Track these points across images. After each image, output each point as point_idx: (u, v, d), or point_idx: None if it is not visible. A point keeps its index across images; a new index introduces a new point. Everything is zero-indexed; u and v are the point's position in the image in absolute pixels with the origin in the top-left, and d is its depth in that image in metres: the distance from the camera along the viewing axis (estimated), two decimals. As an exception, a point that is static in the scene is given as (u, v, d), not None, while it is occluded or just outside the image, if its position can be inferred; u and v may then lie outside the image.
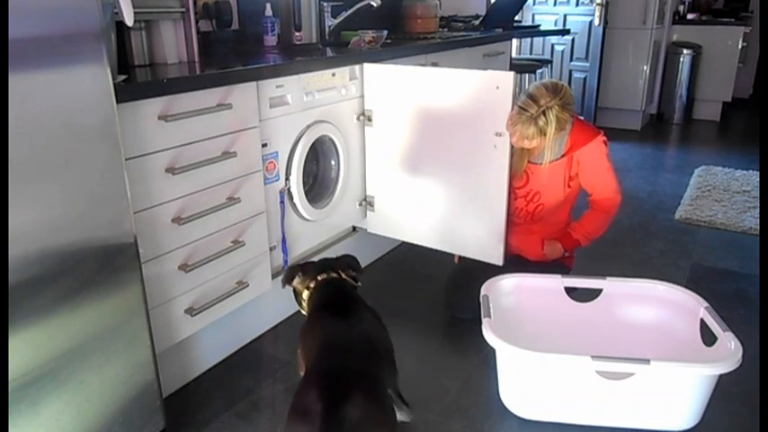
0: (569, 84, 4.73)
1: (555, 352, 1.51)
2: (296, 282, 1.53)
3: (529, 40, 5.15)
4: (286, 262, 1.95)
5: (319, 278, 1.49)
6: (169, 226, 1.56)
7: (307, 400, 1.11)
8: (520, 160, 2.04)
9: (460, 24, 3.45)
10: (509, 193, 1.96)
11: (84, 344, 1.29)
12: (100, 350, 1.32)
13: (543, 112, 1.86)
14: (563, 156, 1.98)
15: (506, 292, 1.87)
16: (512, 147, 1.94)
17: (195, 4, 1.91)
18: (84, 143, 1.21)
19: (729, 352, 1.48)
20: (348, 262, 1.56)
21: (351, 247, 2.30)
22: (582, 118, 2.08)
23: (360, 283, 1.56)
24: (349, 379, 1.15)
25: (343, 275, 1.52)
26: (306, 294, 1.49)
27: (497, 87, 1.86)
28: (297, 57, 2.03)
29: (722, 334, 1.56)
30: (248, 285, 1.84)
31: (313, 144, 2.08)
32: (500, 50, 3.18)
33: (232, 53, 2.19)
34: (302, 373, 1.34)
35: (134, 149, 1.42)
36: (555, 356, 1.51)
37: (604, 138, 1.98)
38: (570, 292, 1.89)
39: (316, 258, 1.65)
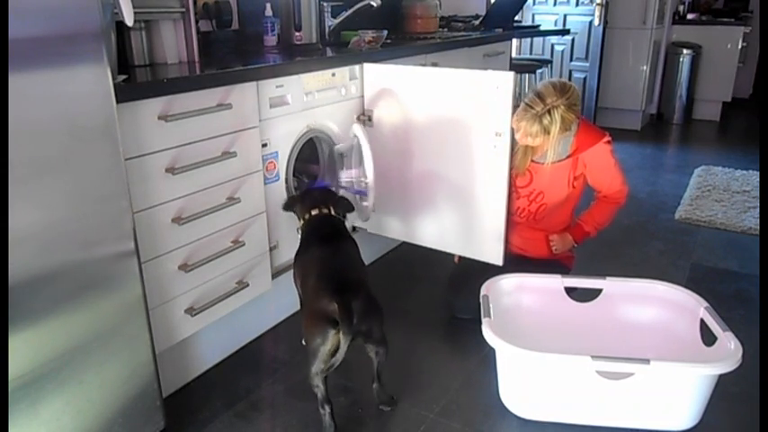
0: (569, 84, 4.72)
1: (555, 352, 1.51)
2: (296, 209, 1.82)
3: (529, 40, 5.15)
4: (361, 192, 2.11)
5: (313, 212, 1.76)
6: (169, 226, 1.56)
7: (324, 304, 1.43)
8: (523, 158, 2.04)
9: (460, 24, 3.45)
10: (509, 194, 1.96)
11: (85, 344, 1.29)
12: (100, 350, 1.32)
13: (548, 111, 1.86)
14: (568, 157, 1.99)
15: (506, 292, 1.87)
16: (514, 146, 1.94)
17: (195, 4, 1.91)
18: (84, 143, 1.21)
19: (729, 352, 1.48)
20: (341, 202, 1.83)
21: (351, 247, 2.30)
22: (585, 119, 2.08)
23: (346, 219, 1.83)
24: (351, 286, 1.49)
25: (333, 211, 1.79)
26: (301, 223, 1.79)
27: (497, 87, 1.86)
28: (297, 57, 2.03)
29: (722, 334, 1.56)
30: (248, 285, 1.84)
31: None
32: (500, 50, 3.18)
33: (232, 53, 2.19)
34: (299, 288, 1.72)
35: (134, 149, 1.42)
36: (555, 356, 1.51)
37: (609, 138, 1.99)
38: (570, 292, 1.89)
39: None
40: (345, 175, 2.16)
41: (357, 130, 2.05)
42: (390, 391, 1.69)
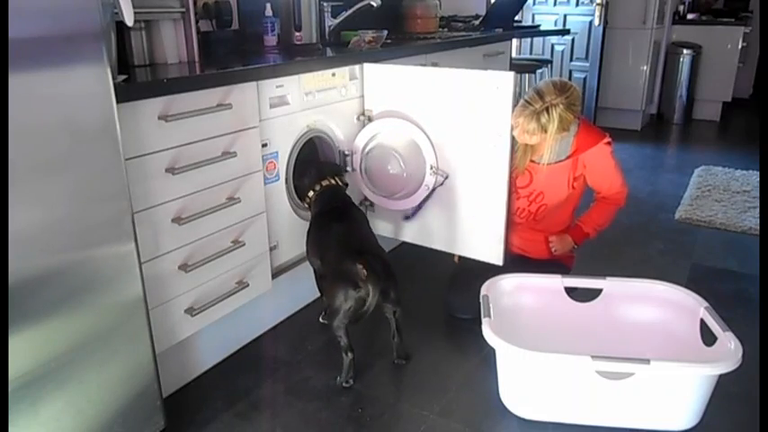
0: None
1: (555, 352, 1.51)
2: (305, 182, 1.96)
3: (529, 40, 5.15)
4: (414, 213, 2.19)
5: (323, 183, 1.93)
6: (169, 226, 1.56)
7: (348, 266, 1.64)
8: (523, 156, 2.04)
9: (460, 24, 3.45)
10: (509, 194, 1.96)
11: (85, 344, 1.29)
12: (100, 350, 1.32)
13: (547, 109, 1.86)
14: (568, 157, 1.99)
15: (506, 292, 1.87)
16: (514, 145, 1.94)
17: (195, 4, 1.90)
18: (84, 143, 1.21)
19: (729, 352, 1.49)
20: (336, 170, 2.01)
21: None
22: (586, 119, 2.08)
23: (347, 185, 2.02)
24: (372, 249, 1.74)
25: (339, 182, 1.97)
26: (311, 194, 1.94)
27: (497, 87, 1.86)
28: (297, 57, 2.03)
29: (722, 334, 1.56)
30: (248, 285, 1.84)
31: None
32: (500, 50, 3.18)
33: (232, 53, 2.18)
34: (315, 260, 1.89)
35: (134, 149, 1.42)
36: (555, 356, 1.51)
37: (609, 139, 1.99)
38: (570, 292, 1.89)
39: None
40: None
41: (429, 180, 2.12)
42: (390, 389, 1.69)
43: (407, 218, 2.22)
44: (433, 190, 2.10)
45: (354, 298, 1.63)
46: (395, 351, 1.86)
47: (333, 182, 1.95)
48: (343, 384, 1.75)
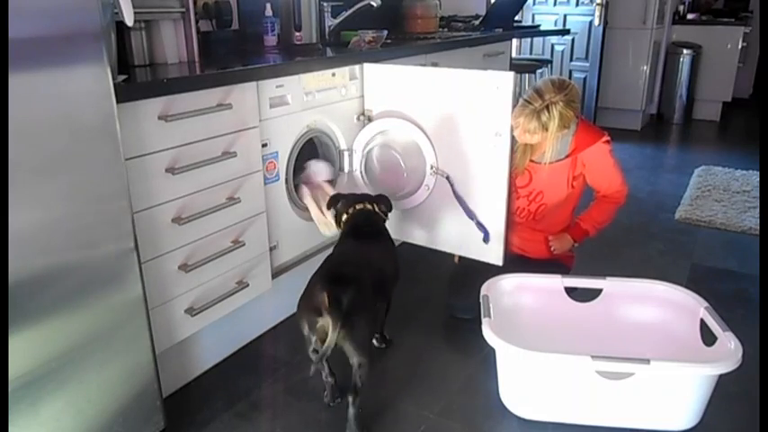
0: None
1: (555, 352, 1.51)
2: (338, 206, 1.88)
3: (529, 40, 5.15)
4: (487, 233, 2.04)
5: (357, 207, 1.84)
6: (169, 226, 1.56)
7: (315, 291, 1.46)
8: (523, 157, 2.04)
9: (460, 24, 3.45)
10: (509, 194, 1.96)
11: (85, 344, 1.29)
12: (100, 350, 1.32)
13: (547, 107, 1.87)
14: (567, 156, 1.99)
15: (506, 292, 1.87)
16: (513, 145, 1.94)
17: (195, 4, 1.90)
18: (84, 143, 1.21)
19: (729, 352, 1.49)
20: (383, 200, 1.91)
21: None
22: (584, 118, 2.08)
23: (387, 218, 1.91)
24: (344, 279, 1.49)
25: (376, 208, 1.87)
26: (344, 218, 1.85)
27: (497, 87, 1.86)
28: (297, 57, 2.03)
29: (722, 334, 1.56)
30: (248, 285, 1.83)
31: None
32: (500, 50, 3.18)
33: (232, 53, 2.18)
34: None
35: (134, 149, 1.42)
36: (555, 356, 1.51)
37: (608, 138, 1.99)
38: (570, 292, 1.89)
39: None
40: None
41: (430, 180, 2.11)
42: (390, 389, 1.69)
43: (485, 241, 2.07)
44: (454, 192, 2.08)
45: (315, 327, 1.45)
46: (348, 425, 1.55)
47: (368, 207, 1.86)
48: (329, 404, 1.68)
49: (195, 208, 1.61)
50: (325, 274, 1.54)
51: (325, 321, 1.41)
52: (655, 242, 2.83)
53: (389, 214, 1.94)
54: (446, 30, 3.31)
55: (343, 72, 2.10)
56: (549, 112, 1.87)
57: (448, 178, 2.06)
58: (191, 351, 1.80)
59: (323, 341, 1.42)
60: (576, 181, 2.03)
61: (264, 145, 1.82)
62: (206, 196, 1.64)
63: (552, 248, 2.10)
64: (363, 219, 1.83)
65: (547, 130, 1.90)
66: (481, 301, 1.72)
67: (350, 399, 1.53)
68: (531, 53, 5.22)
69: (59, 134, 1.17)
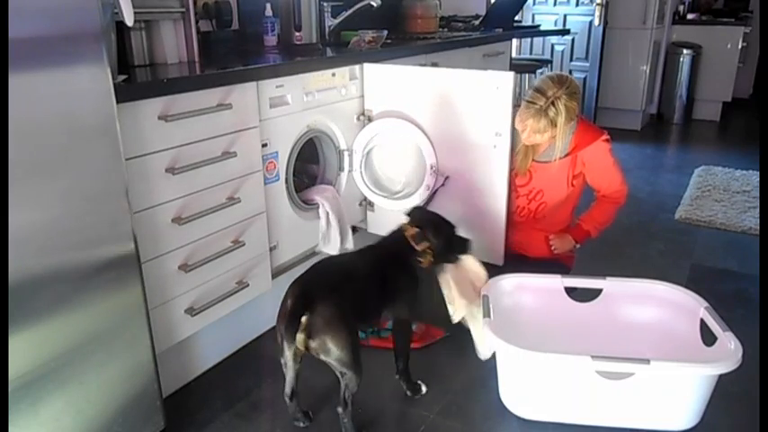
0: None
1: (555, 352, 1.51)
2: (411, 215, 1.75)
3: (529, 40, 5.15)
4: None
5: (402, 227, 1.70)
6: (169, 226, 1.56)
7: (284, 304, 1.45)
8: (524, 159, 2.04)
9: (460, 24, 3.45)
10: (509, 194, 1.96)
11: (84, 344, 1.29)
12: (100, 350, 1.32)
13: (552, 103, 1.87)
14: (567, 155, 1.99)
15: (506, 292, 1.87)
16: (515, 147, 1.94)
17: (195, 4, 1.90)
18: (84, 143, 1.21)
19: (729, 352, 1.48)
20: (442, 236, 1.70)
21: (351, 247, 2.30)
22: (584, 118, 2.09)
23: (429, 258, 1.68)
24: (317, 297, 1.43)
25: (410, 237, 1.66)
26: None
27: (497, 87, 1.86)
28: (297, 57, 2.03)
29: (722, 334, 1.56)
30: (248, 285, 1.83)
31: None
32: (500, 50, 3.18)
33: (232, 53, 2.18)
34: None
35: (134, 149, 1.42)
36: (555, 356, 1.51)
37: (607, 137, 2.00)
38: (570, 292, 1.89)
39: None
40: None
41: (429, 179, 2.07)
42: (390, 389, 1.68)
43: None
44: (435, 192, 2.09)
45: (282, 333, 1.43)
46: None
47: (408, 233, 1.68)
48: (295, 423, 1.62)
49: (195, 208, 1.61)
50: (297, 279, 1.51)
51: (288, 327, 1.41)
52: (655, 242, 2.83)
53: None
54: (446, 30, 3.31)
55: (343, 72, 2.10)
56: (555, 107, 1.87)
57: (447, 179, 2.06)
58: (191, 351, 1.80)
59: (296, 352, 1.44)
60: (575, 180, 2.03)
61: (264, 145, 1.82)
62: (206, 196, 1.64)
63: (553, 248, 2.09)
64: (391, 240, 1.70)
65: (556, 125, 1.90)
66: (481, 301, 1.72)
67: (339, 411, 1.52)
68: (531, 53, 5.22)
69: (59, 134, 1.17)
